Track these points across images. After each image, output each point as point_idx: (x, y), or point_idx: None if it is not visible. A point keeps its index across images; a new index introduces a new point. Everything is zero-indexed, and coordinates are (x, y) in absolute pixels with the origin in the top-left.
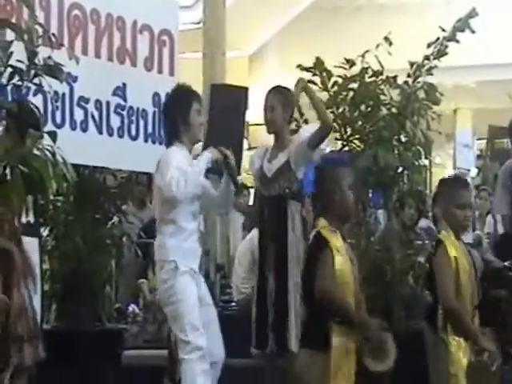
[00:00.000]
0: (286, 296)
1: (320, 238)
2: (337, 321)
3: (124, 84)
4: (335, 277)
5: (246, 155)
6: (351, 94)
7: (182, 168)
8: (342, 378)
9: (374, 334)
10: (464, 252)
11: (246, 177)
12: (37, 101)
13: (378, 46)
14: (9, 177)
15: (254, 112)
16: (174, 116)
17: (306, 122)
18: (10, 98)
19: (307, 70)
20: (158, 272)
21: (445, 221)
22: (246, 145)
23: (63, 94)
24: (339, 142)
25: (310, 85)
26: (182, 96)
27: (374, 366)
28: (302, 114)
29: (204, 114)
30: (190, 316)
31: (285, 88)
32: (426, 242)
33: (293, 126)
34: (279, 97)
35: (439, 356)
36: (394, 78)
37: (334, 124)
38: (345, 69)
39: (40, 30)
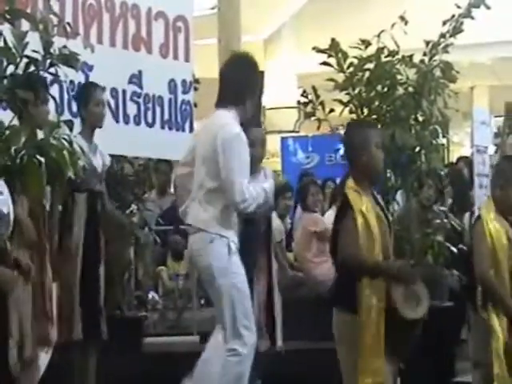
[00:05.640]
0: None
1: (344, 203)
2: (365, 282)
3: (140, 71)
4: (359, 239)
5: None
6: (367, 74)
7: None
8: (370, 336)
9: (408, 279)
10: (505, 227)
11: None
12: (53, 90)
13: (393, 25)
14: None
15: (270, 96)
16: (241, 80)
17: (321, 103)
18: None
19: (323, 51)
20: (199, 243)
21: (495, 199)
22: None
23: (79, 83)
24: None
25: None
26: (253, 67)
27: (409, 314)
28: (317, 96)
29: None
30: (243, 305)
31: None
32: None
33: (309, 108)
34: None
35: (480, 334)
36: (410, 57)
37: (351, 105)
38: (360, 49)
39: (55, 20)
